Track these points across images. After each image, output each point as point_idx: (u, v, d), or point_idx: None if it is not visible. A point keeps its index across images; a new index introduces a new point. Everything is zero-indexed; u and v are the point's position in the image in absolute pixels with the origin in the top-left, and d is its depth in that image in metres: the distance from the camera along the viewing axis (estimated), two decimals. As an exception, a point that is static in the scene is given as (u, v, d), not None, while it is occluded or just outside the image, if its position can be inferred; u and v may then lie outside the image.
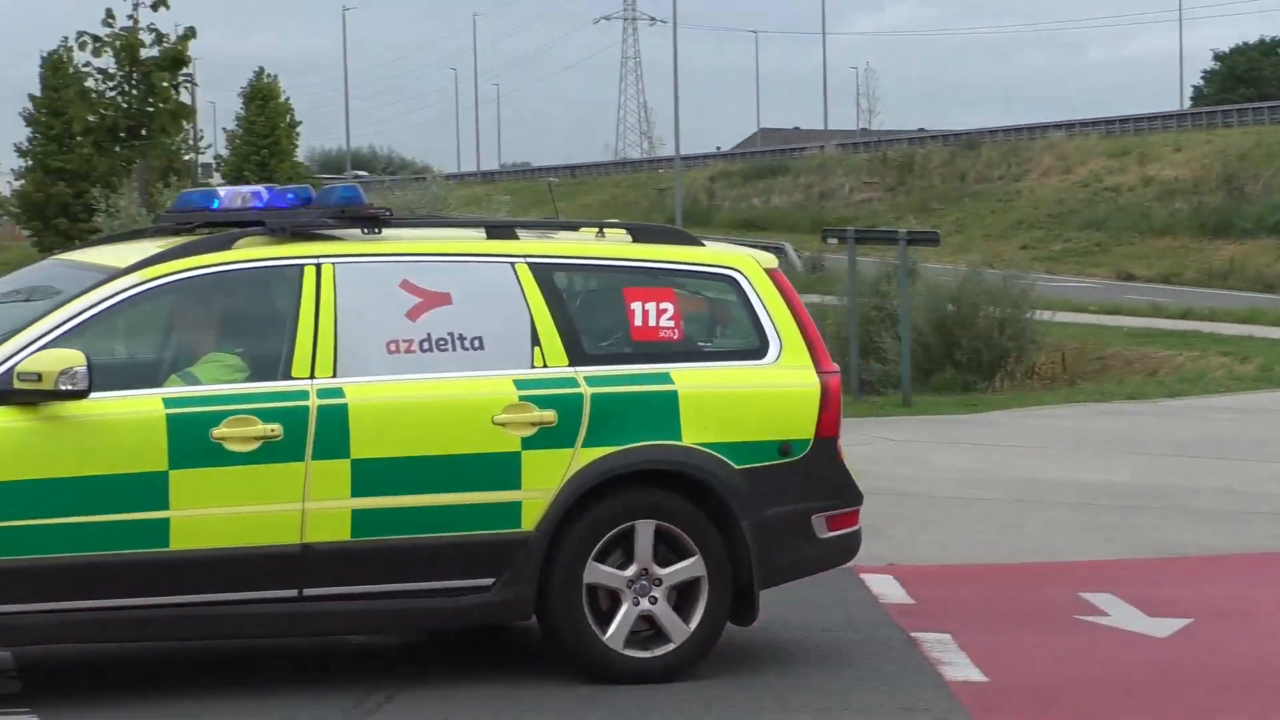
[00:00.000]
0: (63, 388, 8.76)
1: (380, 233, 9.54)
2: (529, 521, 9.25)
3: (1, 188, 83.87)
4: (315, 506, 9.08)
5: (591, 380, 9.40)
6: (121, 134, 18.26)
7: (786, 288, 9.81)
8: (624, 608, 9.33)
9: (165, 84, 18.70)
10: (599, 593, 9.34)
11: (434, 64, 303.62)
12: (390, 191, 35.85)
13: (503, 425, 9.23)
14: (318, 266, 9.31)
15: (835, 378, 9.67)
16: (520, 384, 9.32)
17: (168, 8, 18.08)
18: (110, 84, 19.43)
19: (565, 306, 9.54)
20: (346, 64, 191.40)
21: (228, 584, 9.01)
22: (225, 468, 8.97)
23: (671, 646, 9.39)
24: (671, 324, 9.64)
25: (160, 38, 18.77)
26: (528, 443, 9.26)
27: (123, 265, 9.29)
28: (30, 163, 71.67)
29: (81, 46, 18.03)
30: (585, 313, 9.71)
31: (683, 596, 9.41)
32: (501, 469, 9.25)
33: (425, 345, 9.30)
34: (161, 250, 9.43)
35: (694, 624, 9.40)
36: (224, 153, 76.80)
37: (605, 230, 10.05)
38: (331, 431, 9.08)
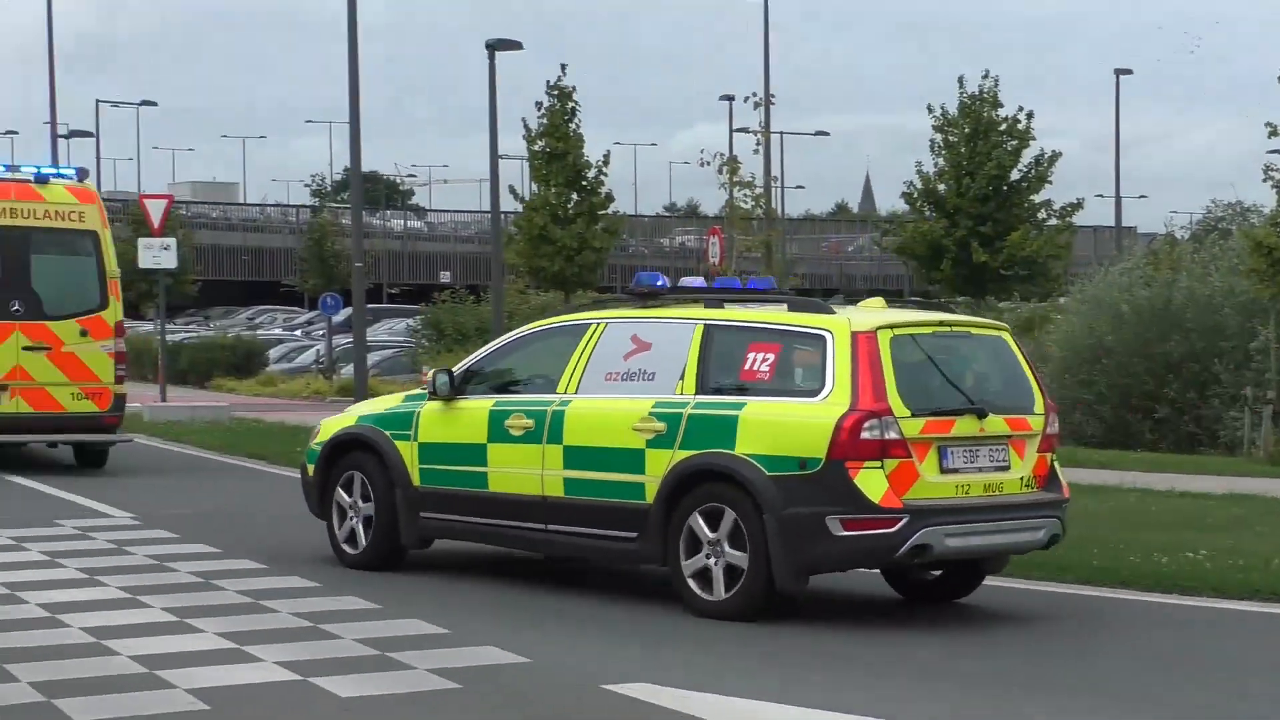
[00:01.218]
0: (429, 390, 12.99)
1: (655, 302, 12.41)
2: (650, 497, 11.57)
3: None
4: (547, 473, 12.17)
5: (696, 405, 11.55)
6: None
7: (863, 346, 11.08)
8: (699, 555, 11.32)
9: None
10: (693, 537, 11.34)
11: None
12: None
13: (637, 430, 11.68)
14: (598, 324, 12.41)
15: (856, 415, 10.84)
16: (657, 404, 11.70)
17: None
18: None
19: (709, 354, 11.69)
20: None
21: (515, 516, 12.39)
22: (509, 444, 12.41)
23: (712, 598, 11.25)
24: (767, 369, 11.43)
25: None
26: (650, 443, 11.63)
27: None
28: None
29: None
30: (724, 359, 11.68)
31: (733, 571, 11.18)
32: (634, 459, 11.70)
33: (625, 376, 12.03)
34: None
35: (730, 593, 11.16)
36: None
37: (753, 303, 12.06)
38: (555, 426, 12.15)
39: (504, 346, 13.15)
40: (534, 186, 44.64)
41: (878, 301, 12.24)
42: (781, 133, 67.43)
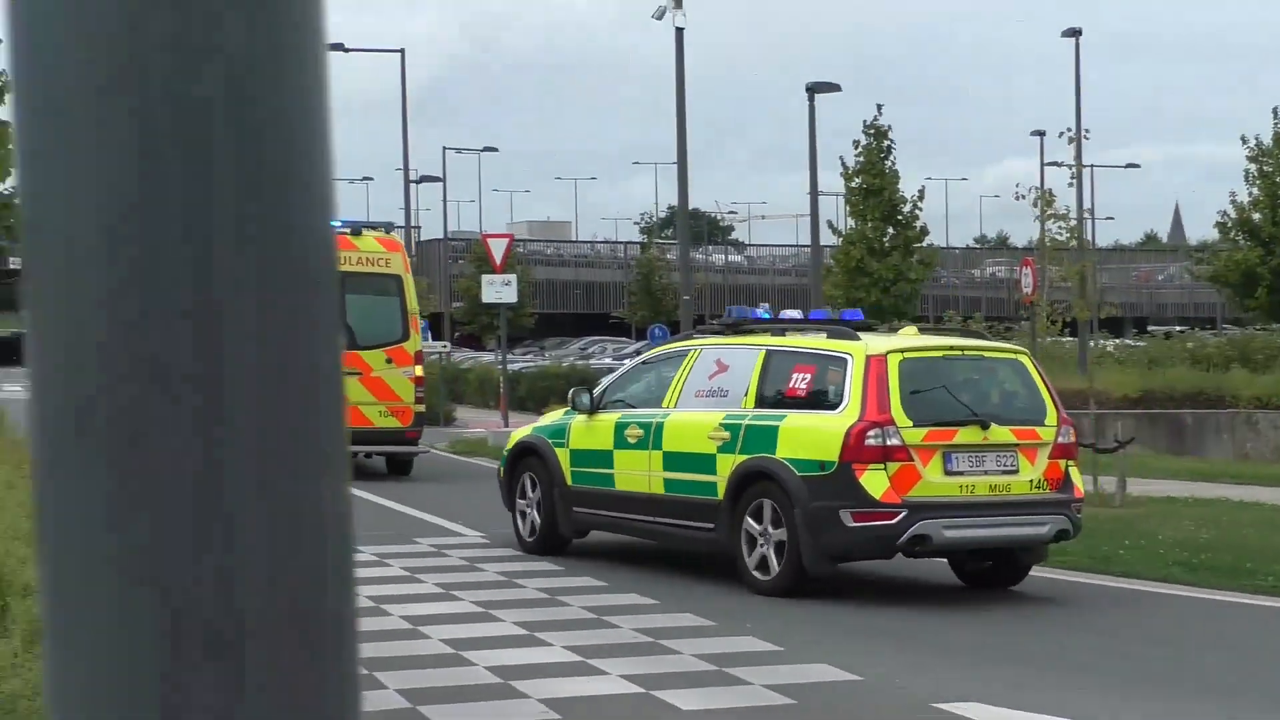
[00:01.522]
0: (571, 407, 15.01)
1: (734, 333, 14.26)
2: (720, 494, 13.07)
3: None
4: (652, 474, 13.81)
5: (753, 417, 13.03)
6: None
7: (873, 367, 12.42)
8: (757, 548, 12.74)
9: None
10: (751, 537, 12.80)
11: None
12: None
13: (711, 438, 13.22)
14: (696, 350, 14.22)
15: (861, 425, 12.24)
16: (726, 416, 13.23)
17: None
18: None
19: (767, 373, 13.18)
20: None
21: (633, 510, 14.03)
22: (628, 450, 14.13)
23: (763, 578, 12.67)
24: (804, 386, 12.89)
25: None
26: (719, 449, 13.14)
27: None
28: None
29: None
30: (777, 378, 13.14)
31: (777, 555, 12.59)
32: (709, 462, 13.25)
33: (708, 393, 13.62)
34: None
35: (774, 574, 12.59)
36: None
37: (807, 331, 13.68)
38: (658, 435, 13.82)
39: (632, 370, 15.27)
40: (850, 221, 44.54)
41: (911, 329, 13.78)
42: (1093, 165, 66.03)
